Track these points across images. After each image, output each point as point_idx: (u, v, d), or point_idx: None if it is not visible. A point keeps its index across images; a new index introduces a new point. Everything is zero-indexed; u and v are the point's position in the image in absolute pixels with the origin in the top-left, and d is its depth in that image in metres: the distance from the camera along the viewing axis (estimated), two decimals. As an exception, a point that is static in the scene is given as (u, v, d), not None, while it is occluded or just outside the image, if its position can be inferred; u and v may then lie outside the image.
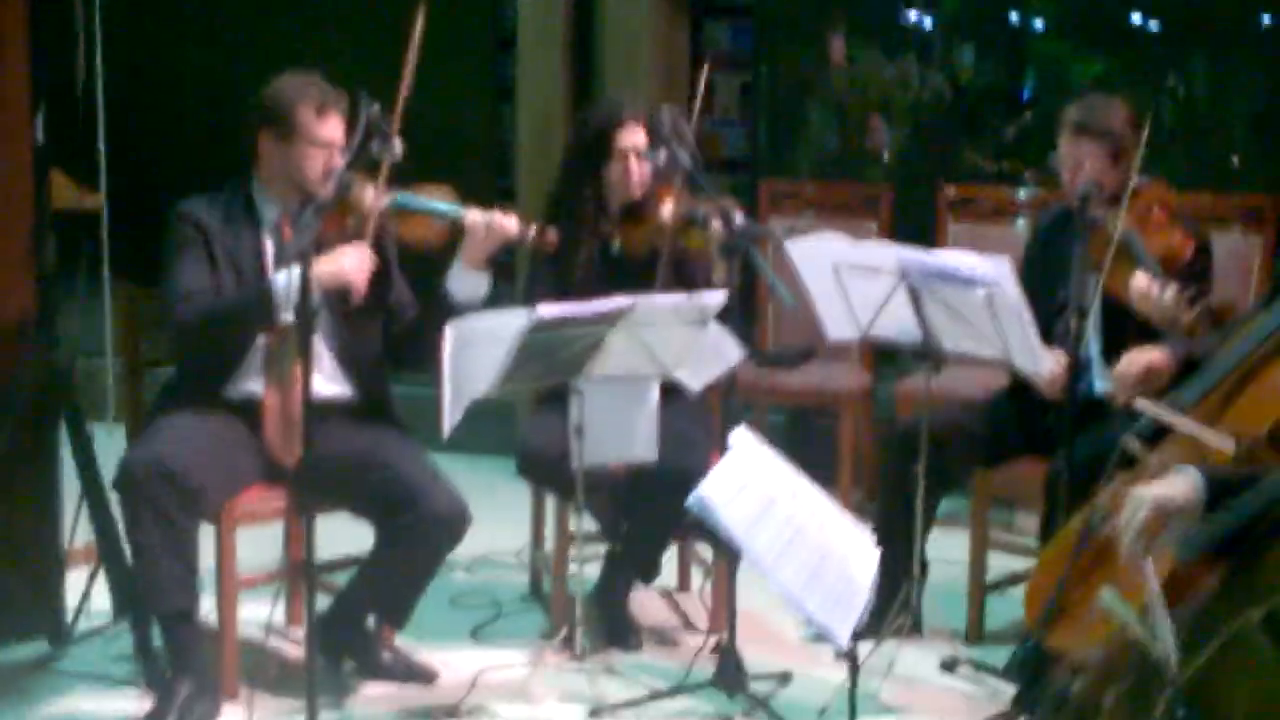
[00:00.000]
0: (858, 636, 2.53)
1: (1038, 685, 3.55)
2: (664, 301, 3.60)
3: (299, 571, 4.20)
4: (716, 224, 3.87)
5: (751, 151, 6.36)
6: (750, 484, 2.58)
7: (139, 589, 3.71)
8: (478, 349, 3.40)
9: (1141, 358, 3.62)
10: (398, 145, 3.58)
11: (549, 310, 3.39)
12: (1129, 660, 2.37)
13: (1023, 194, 5.69)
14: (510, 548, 4.95)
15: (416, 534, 3.75)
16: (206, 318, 3.72)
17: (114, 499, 3.86)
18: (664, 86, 5.96)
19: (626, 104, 4.31)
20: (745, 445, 2.64)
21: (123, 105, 4.98)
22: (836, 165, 6.86)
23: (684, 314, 3.57)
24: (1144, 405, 3.35)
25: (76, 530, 4.13)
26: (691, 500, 2.49)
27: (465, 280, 3.83)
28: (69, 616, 4.16)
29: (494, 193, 5.93)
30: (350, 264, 3.68)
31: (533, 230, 3.85)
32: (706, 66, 4.13)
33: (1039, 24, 7.17)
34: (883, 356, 5.75)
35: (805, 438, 5.86)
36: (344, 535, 3.88)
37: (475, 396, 3.51)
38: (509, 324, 3.38)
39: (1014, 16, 7.27)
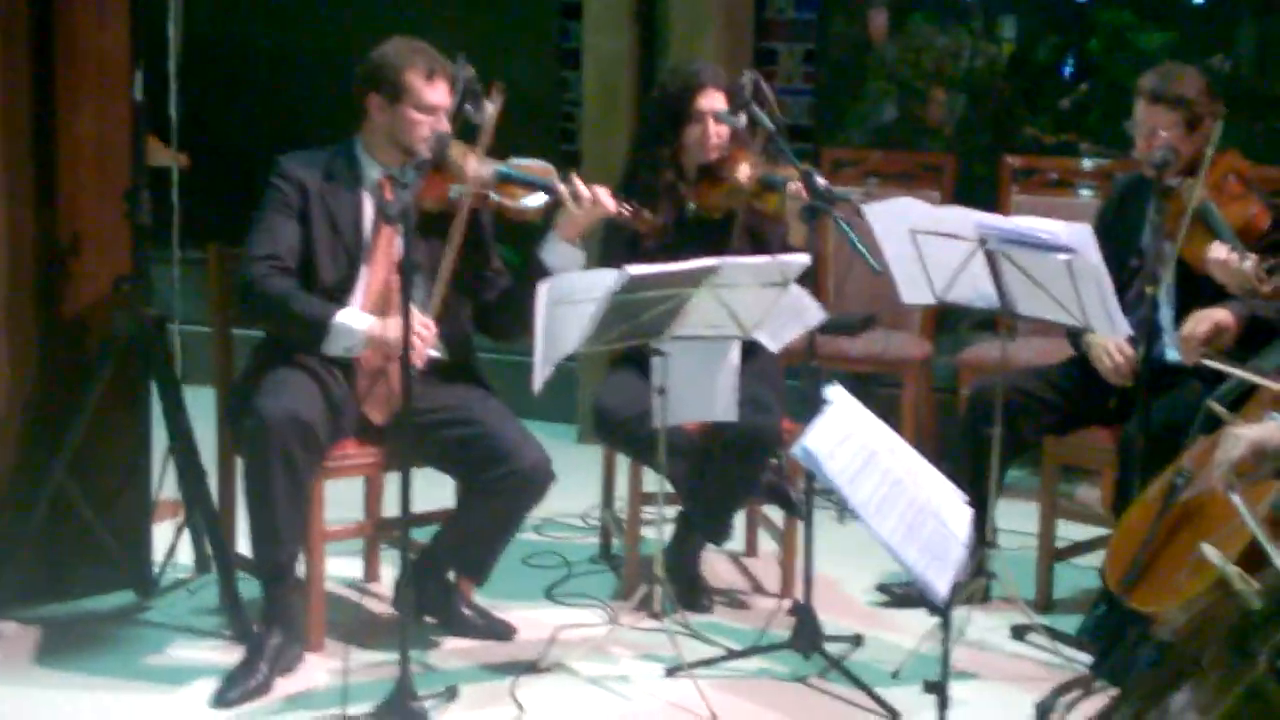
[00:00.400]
0: (954, 592, 2.57)
1: (1114, 651, 3.60)
2: (748, 262, 3.65)
3: (381, 527, 4.30)
4: (796, 186, 3.92)
5: (815, 120, 6.38)
6: (850, 437, 2.63)
7: (255, 542, 3.77)
8: (569, 308, 3.46)
9: (1208, 316, 3.66)
10: (490, 108, 3.64)
11: (638, 269, 3.44)
12: (1228, 614, 2.42)
13: (1087, 164, 5.72)
14: (574, 510, 5.01)
15: (505, 488, 3.82)
16: (267, 300, 3.79)
17: (207, 454, 3.98)
18: (729, 54, 5.99)
19: (705, 69, 4.36)
20: (842, 400, 2.68)
21: (203, 71, 5.04)
22: (897, 135, 6.87)
23: (766, 275, 3.62)
24: (1212, 362, 3.40)
25: (163, 484, 4.20)
26: (797, 450, 2.54)
27: (561, 252, 3.90)
28: (155, 569, 4.25)
29: (559, 157, 5.97)
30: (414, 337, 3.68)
31: (628, 210, 3.90)
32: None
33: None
34: (939, 326, 5.80)
35: (865, 405, 5.91)
36: (422, 493, 3.95)
37: (564, 354, 3.57)
38: (600, 283, 3.43)
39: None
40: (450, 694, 3.66)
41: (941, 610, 2.65)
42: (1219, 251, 3.73)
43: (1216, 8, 7.03)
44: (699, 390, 3.83)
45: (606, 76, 6.01)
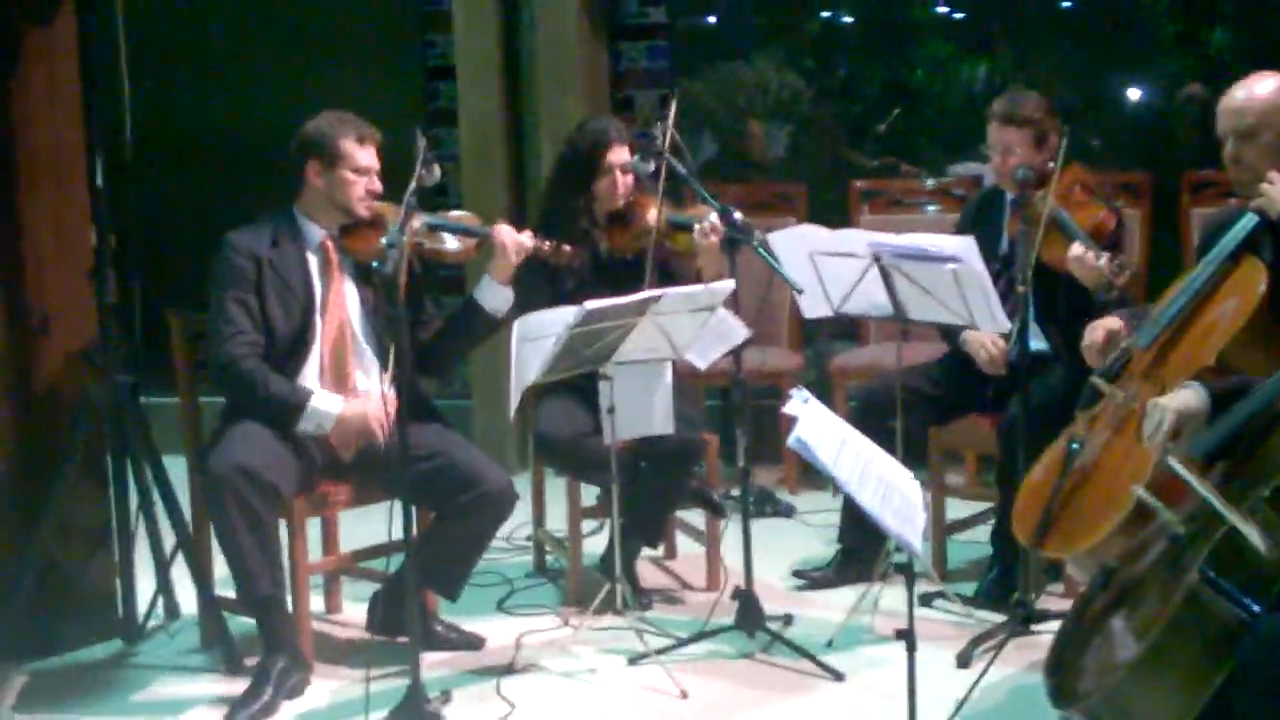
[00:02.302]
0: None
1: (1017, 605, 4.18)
2: (684, 290, 4.13)
3: (359, 557, 4.66)
4: (715, 222, 4.43)
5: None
6: (827, 429, 3.13)
7: (237, 582, 4.11)
8: (534, 343, 3.90)
9: (1101, 325, 4.07)
10: (437, 171, 4.07)
11: (595, 304, 3.90)
12: (1157, 541, 2.98)
13: (929, 183, 6.36)
14: (500, 534, 5.42)
15: (475, 511, 4.24)
16: (245, 386, 4.16)
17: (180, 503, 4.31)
18: (591, 104, 6.50)
19: (611, 126, 4.86)
20: (812, 402, 3.19)
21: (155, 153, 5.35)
22: (741, 167, 7.44)
23: (698, 301, 4.11)
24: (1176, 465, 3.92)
25: (138, 536, 4.52)
26: (792, 442, 3.03)
27: (495, 293, 4.35)
28: (140, 617, 4.56)
29: (438, 209, 6.39)
30: (374, 410, 4.16)
31: (548, 245, 4.36)
32: (674, 95, 4.65)
33: (924, 29, 7.88)
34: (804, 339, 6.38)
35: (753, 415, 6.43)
36: (382, 525, 4.32)
37: (527, 384, 4.01)
38: (561, 319, 3.89)
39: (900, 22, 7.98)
40: (446, 697, 4.06)
41: (908, 565, 3.16)
42: (1077, 251, 4.32)
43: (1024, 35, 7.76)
44: (640, 408, 4.30)
45: (481, 132, 6.46)
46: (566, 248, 4.42)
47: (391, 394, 4.07)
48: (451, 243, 4.37)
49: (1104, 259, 4.23)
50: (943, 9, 8.10)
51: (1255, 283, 3.62)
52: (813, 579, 4.93)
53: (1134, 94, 7.82)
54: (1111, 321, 4.00)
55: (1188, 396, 3.08)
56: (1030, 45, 7.91)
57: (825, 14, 8.31)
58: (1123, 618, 2.91)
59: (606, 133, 4.79)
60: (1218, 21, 7.66)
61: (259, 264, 4.25)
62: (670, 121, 4.57)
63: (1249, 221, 3.73)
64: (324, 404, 4.17)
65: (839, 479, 3.02)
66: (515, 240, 4.32)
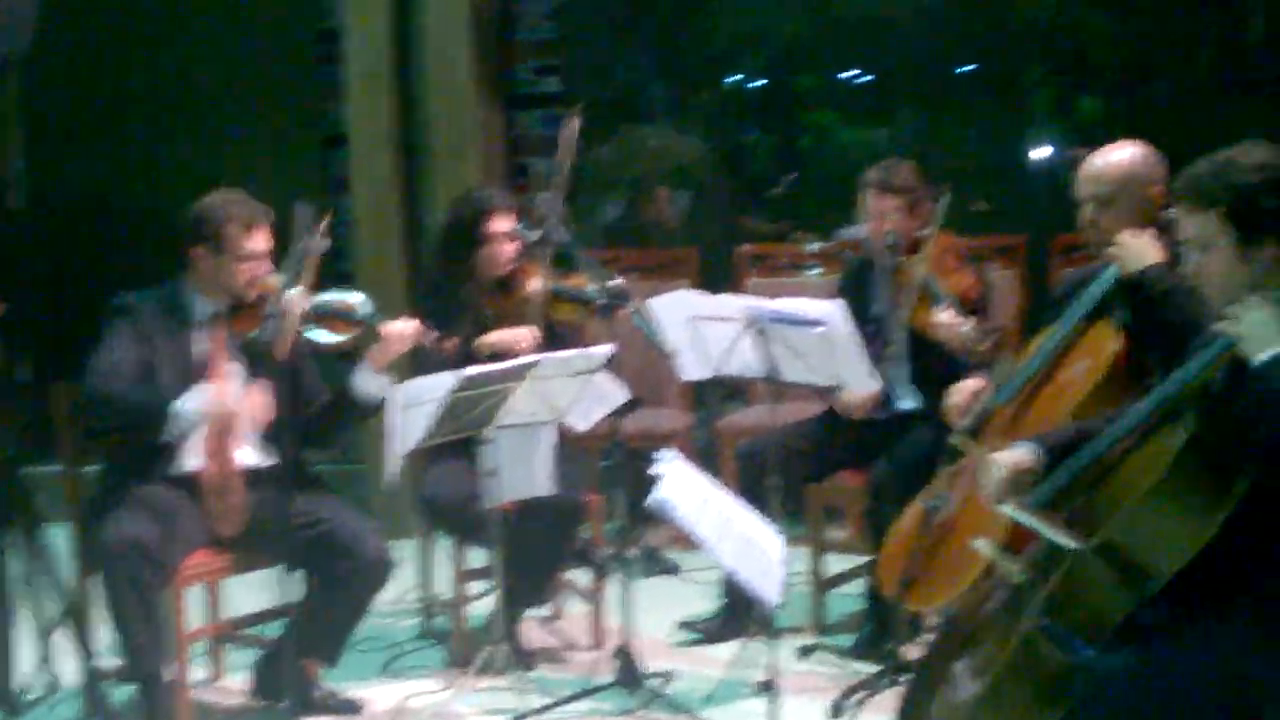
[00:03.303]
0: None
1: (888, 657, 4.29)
2: (562, 356, 4.23)
3: (223, 628, 4.70)
4: (595, 288, 4.54)
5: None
6: (689, 488, 3.24)
7: (124, 654, 4.15)
8: (415, 409, 3.98)
9: (963, 388, 4.25)
10: (323, 242, 4.14)
11: (473, 370, 3.99)
12: (996, 587, 3.11)
13: (813, 247, 6.51)
14: (386, 597, 5.47)
15: (353, 579, 4.30)
16: (108, 401, 4.21)
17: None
18: (487, 171, 6.62)
19: (494, 195, 4.98)
20: (676, 463, 3.30)
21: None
22: (645, 231, 7.57)
23: (577, 365, 4.21)
24: (954, 437, 4.07)
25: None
26: (652, 501, 3.13)
27: (370, 380, 4.41)
28: (19, 689, 4.55)
29: (334, 278, 6.47)
30: (245, 409, 4.23)
31: (432, 337, 4.44)
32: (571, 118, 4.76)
33: (810, 97, 8.10)
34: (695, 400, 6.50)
35: (636, 476, 6.53)
36: (265, 590, 4.39)
37: (409, 449, 4.09)
38: (441, 384, 3.97)
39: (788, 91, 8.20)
40: (328, 760, 4.11)
41: (768, 619, 3.26)
42: (945, 317, 4.47)
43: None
44: (522, 470, 4.39)
45: (375, 200, 6.55)
46: (450, 344, 4.49)
47: (264, 398, 4.11)
48: (330, 337, 4.38)
49: (969, 325, 4.38)
50: (835, 74, 8.29)
51: (1106, 345, 3.79)
52: (703, 630, 5.01)
53: (1011, 158, 8.05)
54: (974, 384, 4.15)
55: (1020, 453, 3.22)
56: (917, 111, 8.13)
57: (725, 80, 8.49)
58: (965, 662, 3.04)
59: (489, 201, 4.90)
60: (1089, 91, 7.92)
61: (144, 331, 4.30)
62: (566, 153, 4.68)
63: (1108, 277, 3.89)
64: (189, 405, 4.19)
65: (698, 536, 3.13)
66: (399, 333, 4.36)
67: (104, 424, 4.35)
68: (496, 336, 4.74)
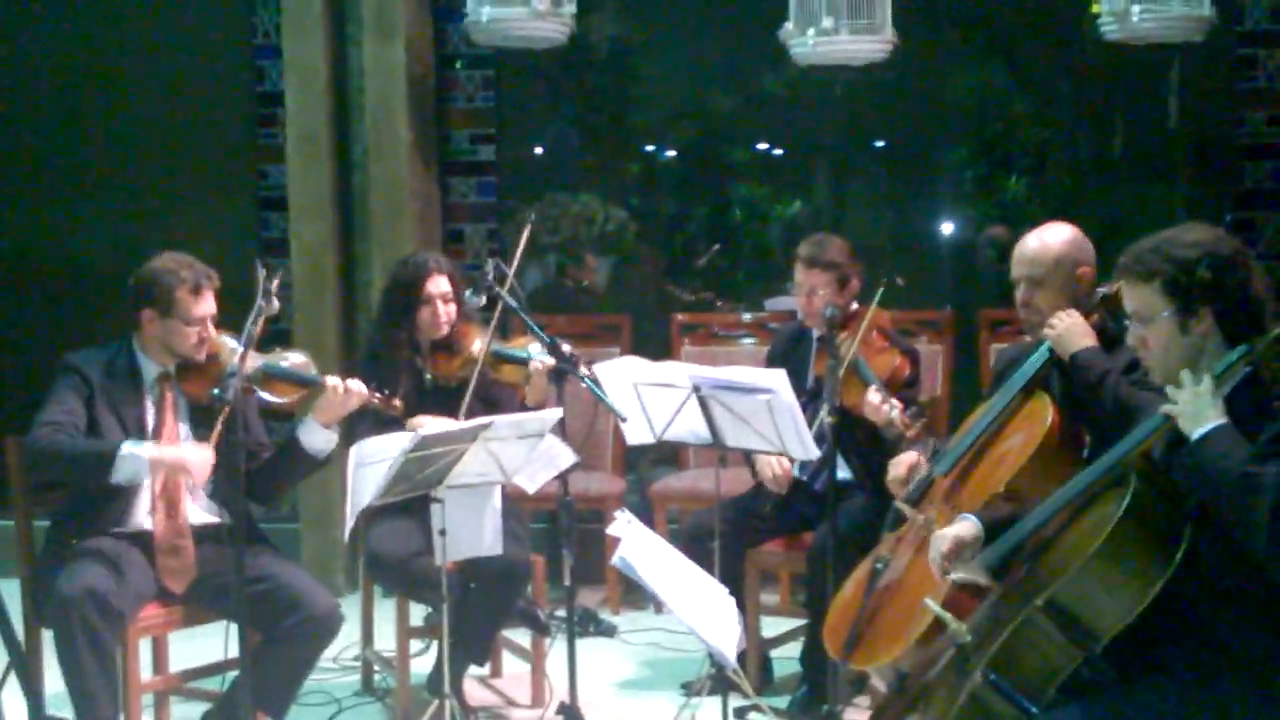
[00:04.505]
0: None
1: (825, 717, 4.40)
2: (514, 418, 4.33)
3: (171, 682, 4.74)
4: (539, 351, 4.66)
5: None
6: (647, 549, 3.35)
7: (77, 703, 4.17)
8: (370, 468, 4.06)
9: (902, 461, 4.38)
10: (275, 302, 4.22)
11: (428, 431, 4.08)
12: (945, 649, 3.25)
13: (746, 317, 6.68)
14: (328, 655, 5.51)
15: (301, 634, 4.36)
16: (53, 451, 4.25)
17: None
18: (424, 235, 6.73)
19: (430, 258, 5.08)
20: (633, 524, 3.41)
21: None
22: (571, 297, 7.70)
23: (528, 428, 4.31)
24: (898, 505, 4.23)
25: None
26: (616, 560, 3.24)
27: (317, 435, 4.49)
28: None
29: (271, 337, 6.53)
30: (193, 459, 4.29)
31: (378, 397, 4.53)
32: (529, 226, 4.89)
33: (743, 168, 8.31)
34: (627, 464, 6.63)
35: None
36: (216, 644, 4.43)
37: (362, 506, 4.16)
38: (396, 445, 4.06)
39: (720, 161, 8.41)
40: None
41: (731, 671, 3.37)
42: (874, 399, 4.63)
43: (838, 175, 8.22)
44: (470, 529, 4.46)
45: (313, 262, 6.63)
46: (397, 402, 4.59)
47: (209, 455, 4.18)
48: (276, 398, 4.46)
49: (896, 410, 4.53)
50: (761, 147, 8.52)
51: (1043, 418, 3.95)
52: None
53: (940, 234, 8.31)
54: (911, 457, 4.31)
55: (964, 527, 3.42)
56: (843, 186, 8.37)
57: (649, 148, 8.67)
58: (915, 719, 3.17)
59: (426, 264, 5.02)
60: (1014, 169, 8.20)
61: (91, 387, 4.36)
62: (518, 254, 4.80)
63: (1042, 353, 4.07)
64: (134, 449, 4.24)
65: (659, 595, 3.24)
66: (352, 391, 4.45)
67: (50, 476, 4.39)
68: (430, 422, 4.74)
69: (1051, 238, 4.20)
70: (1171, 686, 2.98)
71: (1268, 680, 2.96)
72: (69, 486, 4.48)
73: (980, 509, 3.64)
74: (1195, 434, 2.97)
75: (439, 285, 5.01)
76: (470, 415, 4.71)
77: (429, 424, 4.66)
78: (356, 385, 4.48)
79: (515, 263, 4.75)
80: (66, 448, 4.24)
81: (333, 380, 4.46)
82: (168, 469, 4.30)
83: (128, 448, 4.24)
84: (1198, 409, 2.99)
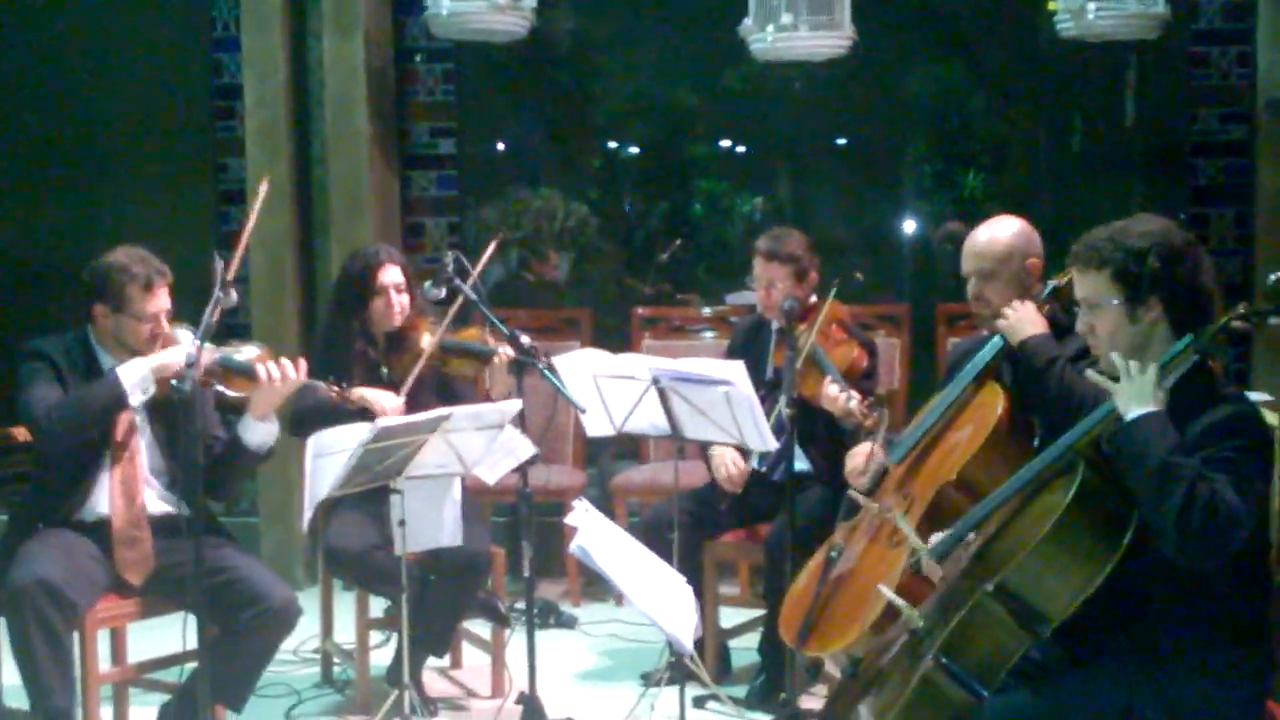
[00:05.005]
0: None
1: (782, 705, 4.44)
2: (473, 409, 4.35)
3: (129, 673, 4.74)
4: (499, 344, 4.67)
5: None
6: (605, 537, 3.38)
7: (32, 694, 4.17)
8: (328, 459, 4.07)
9: (860, 452, 4.45)
10: (234, 294, 4.23)
11: (387, 421, 4.10)
12: (898, 634, 3.28)
13: (706, 311, 6.71)
14: (287, 646, 5.52)
15: (259, 626, 4.36)
16: (68, 414, 4.26)
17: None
18: (383, 229, 6.73)
19: (381, 249, 5.10)
20: (591, 513, 3.44)
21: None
22: (523, 293, 7.72)
23: (487, 419, 4.33)
24: (852, 494, 4.28)
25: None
26: (574, 548, 3.27)
27: (253, 429, 4.44)
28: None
29: (227, 330, 6.52)
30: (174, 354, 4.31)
31: (335, 389, 4.53)
32: (499, 237, 4.91)
33: (704, 163, 8.36)
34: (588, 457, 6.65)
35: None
36: (163, 638, 4.43)
37: (321, 498, 4.17)
38: (354, 435, 4.07)
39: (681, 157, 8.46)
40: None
41: (689, 657, 3.40)
42: (831, 390, 4.66)
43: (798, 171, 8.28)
44: (429, 521, 4.48)
45: (272, 256, 6.62)
46: (354, 395, 4.58)
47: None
48: (232, 391, 4.43)
49: (855, 401, 4.56)
50: (722, 143, 8.57)
51: (993, 407, 3.99)
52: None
53: (899, 229, 8.37)
54: (868, 447, 4.35)
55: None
56: (803, 181, 8.43)
57: (610, 144, 8.70)
58: (868, 704, 3.21)
59: (378, 255, 5.03)
60: (972, 165, 8.27)
61: (61, 373, 4.36)
62: (483, 260, 4.83)
63: (994, 344, 4.12)
64: (135, 366, 4.29)
65: (617, 583, 3.26)
66: (281, 380, 4.37)
67: (71, 439, 4.32)
68: (370, 394, 4.82)
69: (1000, 231, 4.25)
70: (1120, 670, 3.02)
71: (1214, 665, 3.01)
72: (35, 475, 4.46)
73: (932, 499, 3.69)
74: (1128, 416, 3.02)
75: (391, 275, 5.02)
76: (426, 409, 4.70)
77: (370, 395, 4.70)
78: (288, 367, 4.38)
79: (480, 267, 4.77)
80: (72, 402, 4.26)
81: (260, 368, 4.38)
82: (166, 371, 4.28)
83: (120, 371, 4.27)
84: (1139, 392, 3.04)
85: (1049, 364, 3.96)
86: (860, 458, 4.32)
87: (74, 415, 4.28)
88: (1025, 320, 4.08)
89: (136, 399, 4.28)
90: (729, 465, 5.04)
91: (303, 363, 4.42)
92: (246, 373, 4.41)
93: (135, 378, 4.29)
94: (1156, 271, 3.11)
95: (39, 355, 4.37)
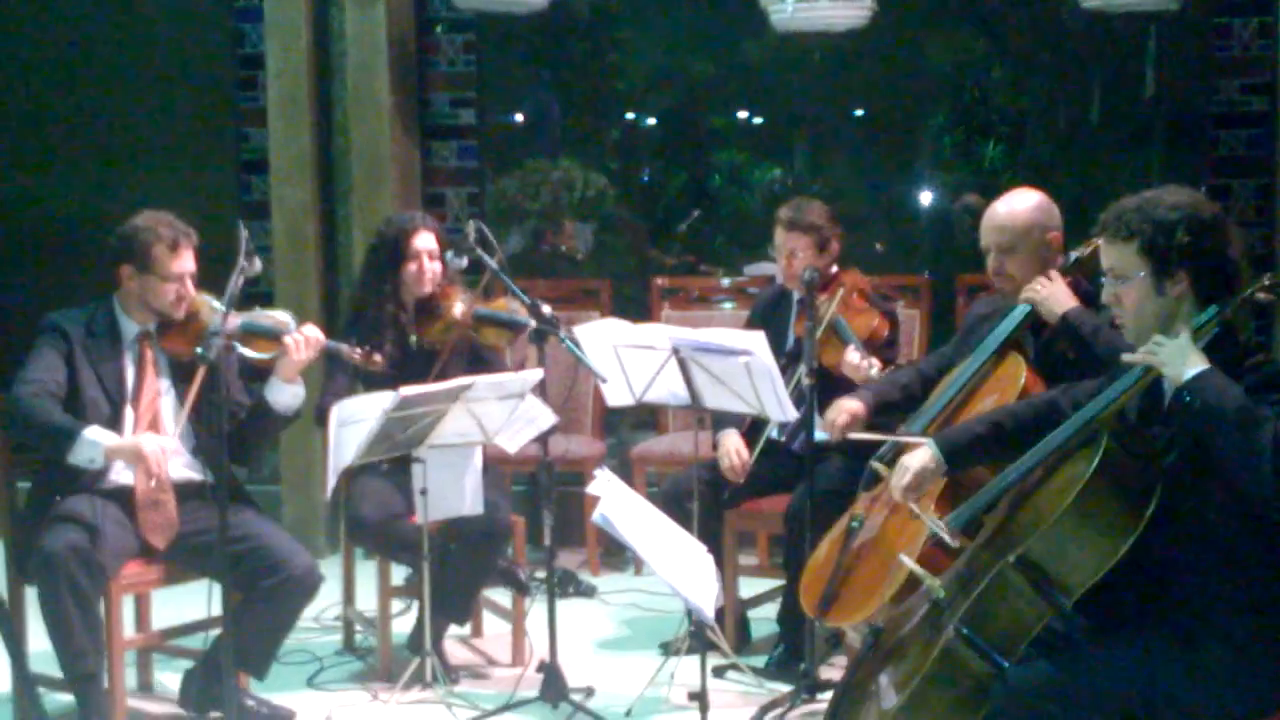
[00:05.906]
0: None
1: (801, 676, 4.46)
2: (494, 379, 4.37)
3: (154, 639, 4.78)
4: (523, 314, 4.69)
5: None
6: (626, 506, 3.40)
7: (62, 656, 4.23)
8: (352, 427, 4.10)
9: (844, 407, 4.47)
10: (258, 263, 4.25)
11: (409, 390, 4.12)
12: (919, 604, 3.31)
13: (725, 281, 6.72)
14: (309, 613, 5.56)
15: (281, 593, 4.40)
16: (25, 416, 4.28)
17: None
18: (404, 199, 6.75)
19: (416, 215, 5.12)
20: (613, 481, 3.46)
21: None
22: (542, 263, 7.74)
23: (508, 389, 4.36)
24: (855, 435, 4.32)
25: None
26: (596, 517, 3.29)
27: (280, 391, 4.48)
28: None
29: (251, 299, 6.55)
30: (150, 448, 4.26)
31: (358, 353, 4.54)
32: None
33: (723, 135, 8.36)
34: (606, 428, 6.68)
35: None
36: (199, 602, 4.45)
37: (345, 465, 4.20)
38: (378, 404, 4.09)
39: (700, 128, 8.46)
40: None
41: (709, 627, 3.43)
42: (852, 358, 4.67)
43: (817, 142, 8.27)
44: (450, 490, 4.52)
45: (293, 225, 6.64)
46: (378, 358, 4.60)
47: (174, 444, 4.20)
48: (256, 354, 4.45)
49: (875, 368, 4.57)
50: (741, 114, 8.57)
51: (1016, 378, 4.01)
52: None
53: (917, 201, 8.37)
54: (853, 404, 4.37)
55: (921, 454, 3.56)
56: (822, 152, 8.42)
57: (629, 115, 8.71)
58: (888, 674, 3.22)
59: (412, 220, 5.05)
60: (992, 136, 8.25)
61: (72, 346, 4.39)
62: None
63: (1016, 315, 4.13)
64: (95, 435, 4.26)
65: (638, 552, 3.29)
66: (305, 341, 4.41)
67: (18, 438, 4.43)
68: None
69: (1019, 205, 4.25)
70: (1144, 641, 3.04)
71: (1240, 636, 3.02)
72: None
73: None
74: (1186, 374, 2.99)
75: (425, 241, 5.03)
76: (456, 377, 4.72)
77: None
78: (313, 331, 4.44)
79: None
80: (39, 417, 4.26)
81: (288, 336, 4.42)
82: (125, 458, 4.31)
83: (90, 433, 4.25)
84: (1182, 353, 3.02)
85: (1095, 333, 3.97)
86: (844, 415, 4.34)
87: (23, 424, 4.30)
88: (1060, 294, 4.09)
89: (76, 458, 4.26)
90: (732, 455, 5.03)
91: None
92: (270, 334, 4.44)
93: (86, 452, 4.24)
94: (1185, 245, 3.10)
95: (52, 329, 4.39)
